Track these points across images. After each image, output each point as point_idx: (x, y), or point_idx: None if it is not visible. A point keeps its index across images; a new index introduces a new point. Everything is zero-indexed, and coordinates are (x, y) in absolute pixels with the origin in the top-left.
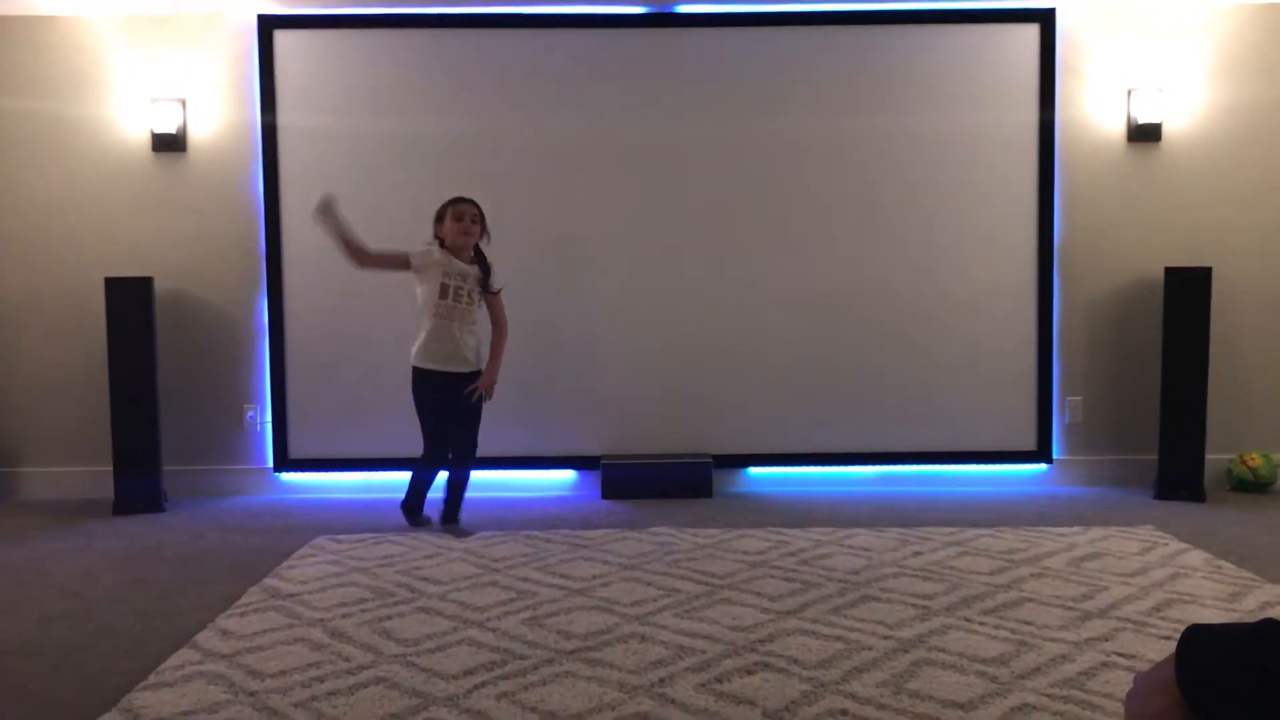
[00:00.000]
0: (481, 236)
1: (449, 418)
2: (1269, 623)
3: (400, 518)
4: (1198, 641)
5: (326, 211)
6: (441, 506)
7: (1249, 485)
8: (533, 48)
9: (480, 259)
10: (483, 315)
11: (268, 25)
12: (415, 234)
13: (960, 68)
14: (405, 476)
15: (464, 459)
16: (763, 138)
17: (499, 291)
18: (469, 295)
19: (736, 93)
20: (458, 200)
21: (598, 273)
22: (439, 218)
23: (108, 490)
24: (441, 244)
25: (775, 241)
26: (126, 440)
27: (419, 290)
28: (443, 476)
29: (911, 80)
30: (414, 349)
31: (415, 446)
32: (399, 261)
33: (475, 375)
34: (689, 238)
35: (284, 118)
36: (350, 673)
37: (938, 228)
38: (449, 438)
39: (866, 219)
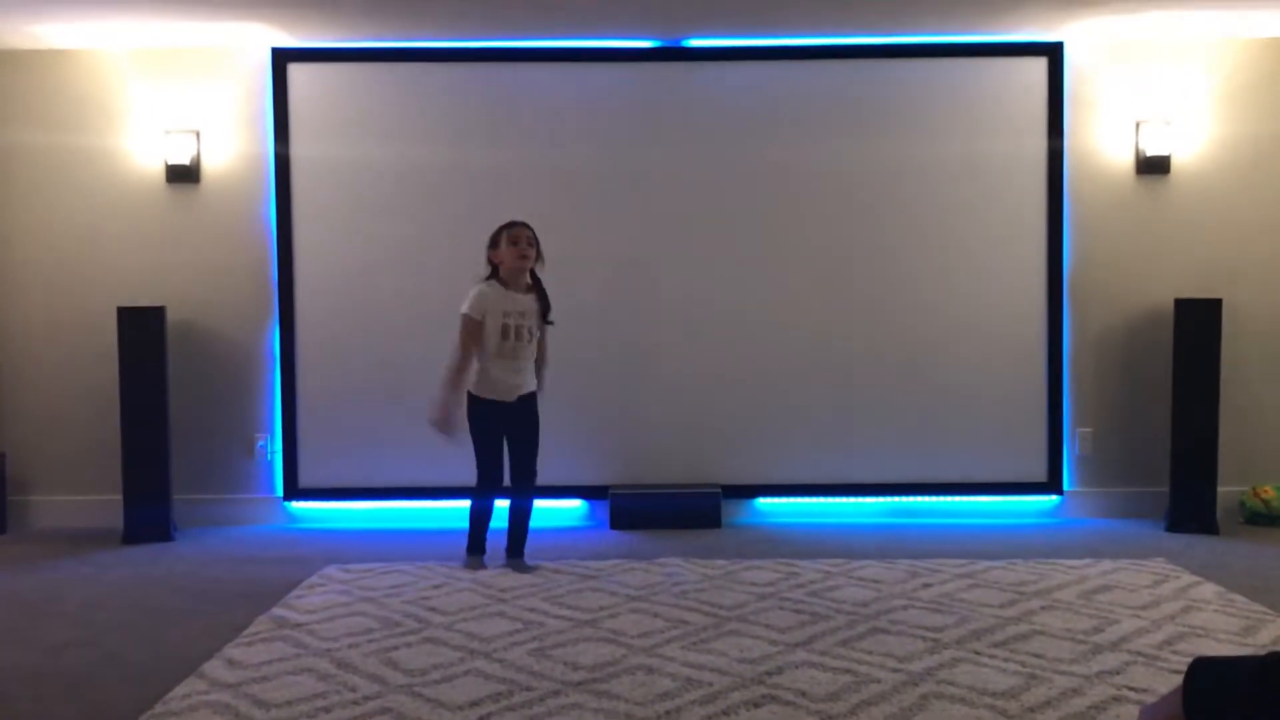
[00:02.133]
0: (537, 260)
1: (506, 442)
2: (1275, 656)
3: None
4: (1205, 674)
5: (445, 427)
6: (505, 541)
7: (1262, 518)
8: (544, 81)
9: (538, 287)
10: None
11: (281, 59)
12: (424, 265)
13: (970, 101)
14: (417, 505)
15: (523, 487)
16: (772, 169)
17: (553, 324)
18: (529, 332)
19: (747, 126)
20: (512, 224)
21: (606, 302)
22: (493, 243)
23: (118, 519)
24: (495, 270)
25: (785, 272)
26: (137, 469)
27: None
28: (502, 508)
29: (922, 113)
30: (472, 379)
31: (426, 475)
32: (477, 334)
33: (531, 396)
34: (699, 268)
35: (297, 150)
36: (356, 703)
37: (948, 259)
38: (508, 464)
39: (877, 250)
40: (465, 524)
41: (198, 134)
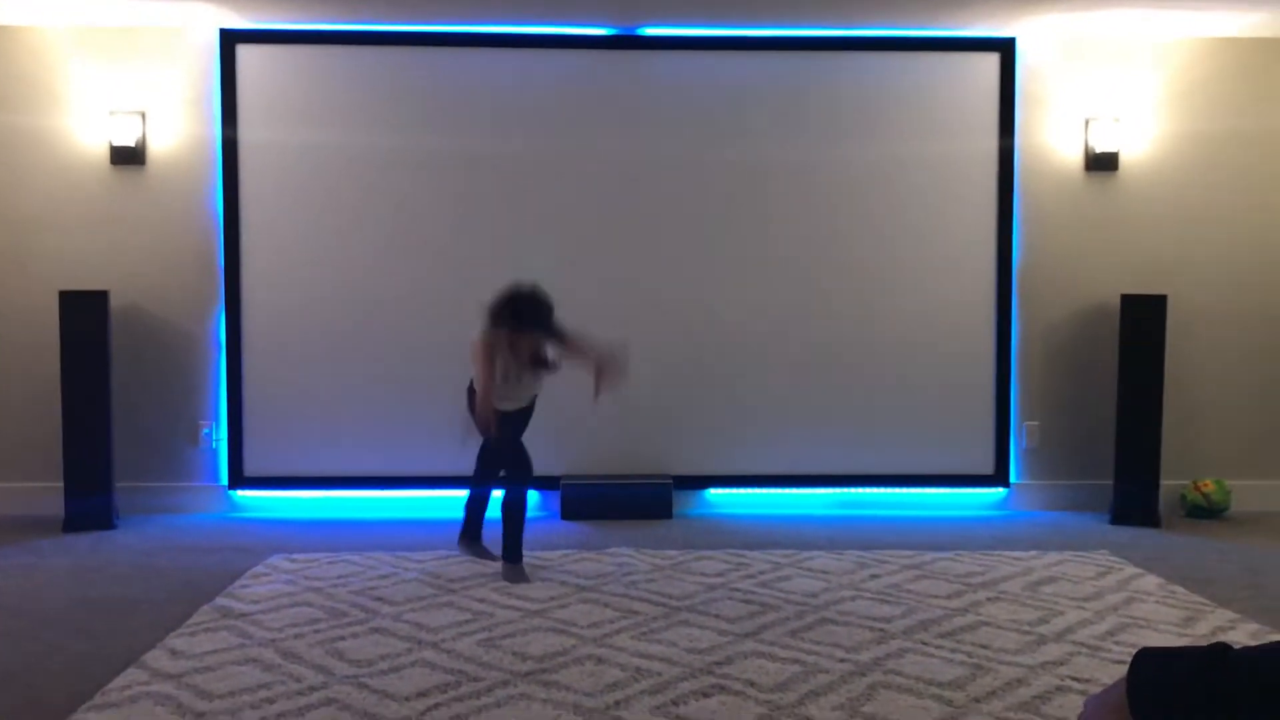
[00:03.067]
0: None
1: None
2: (1219, 647)
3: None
4: (1149, 664)
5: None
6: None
7: (1202, 511)
8: (497, 67)
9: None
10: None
11: (230, 39)
12: (373, 251)
13: (922, 95)
14: (364, 495)
15: (515, 475)
16: (725, 161)
17: (555, 362)
18: (531, 372)
19: (700, 116)
20: (520, 323)
21: (556, 292)
22: (494, 319)
23: (58, 507)
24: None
25: (736, 264)
26: (78, 456)
27: None
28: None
29: (874, 107)
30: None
31: (374, 465)
32: (489, 353)
33: (529, 410)
34: (649, 259)
35: (245, 132)
36: (301, 694)
37: (898, 253)
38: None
39: (828, 243)
40: (411, 513)
41: (143, 115)
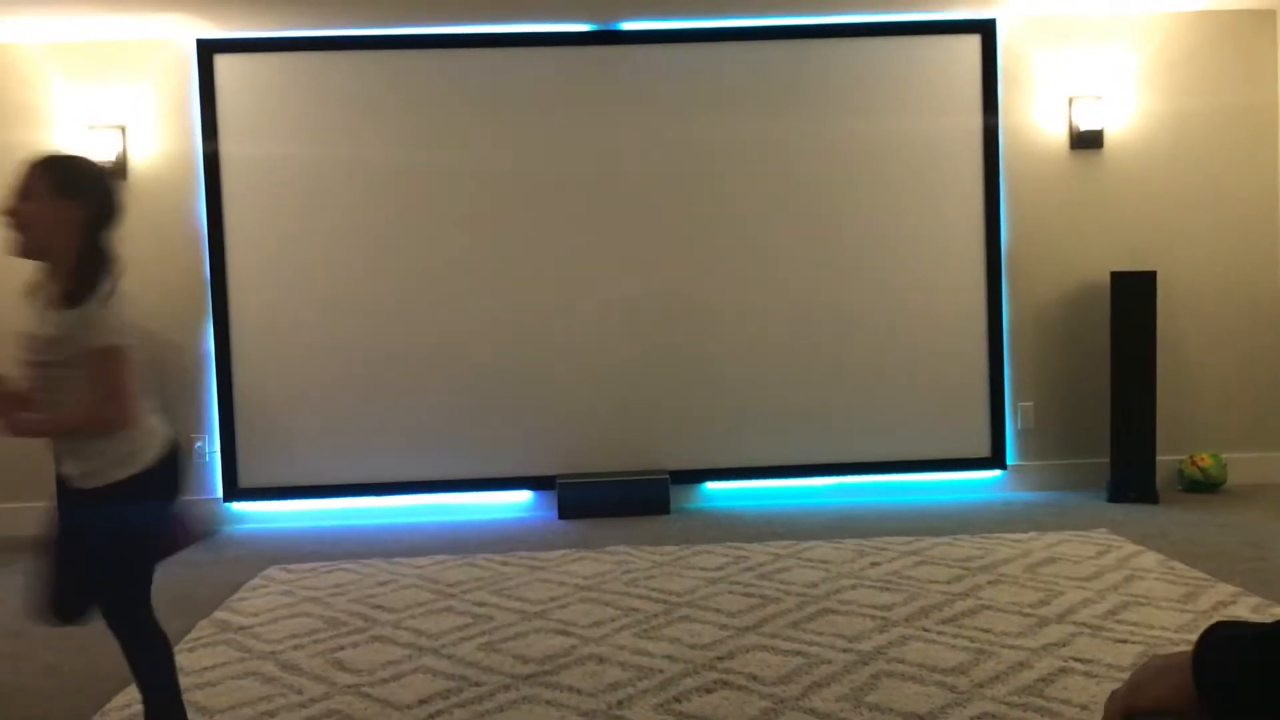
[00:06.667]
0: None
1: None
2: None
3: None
4: (1217, 640)
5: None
6: None
7: (1200, 485)
8: (476, 68)
9: (80, 277)
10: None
11: (207, 50)
12: (360, 259)
13: (904, 80)
14: (358, 503)
15: (127, 637)
16: (712, 152)
17: (108, 347)
18: (53, 372)
19: (685, 109)
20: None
21: (548, 290)
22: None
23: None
24: None
25: (726, 255)
26: None
27: None
28: None
29: (856, 93)
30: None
31: (367, 472)
32: None
33: (91, 495)
34: (638, 254)
35: (226, 144)
36: (303, 705)
37: (886, 239)
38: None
39: (816, 231)
40: (407, 519)
41: (123, 129)
